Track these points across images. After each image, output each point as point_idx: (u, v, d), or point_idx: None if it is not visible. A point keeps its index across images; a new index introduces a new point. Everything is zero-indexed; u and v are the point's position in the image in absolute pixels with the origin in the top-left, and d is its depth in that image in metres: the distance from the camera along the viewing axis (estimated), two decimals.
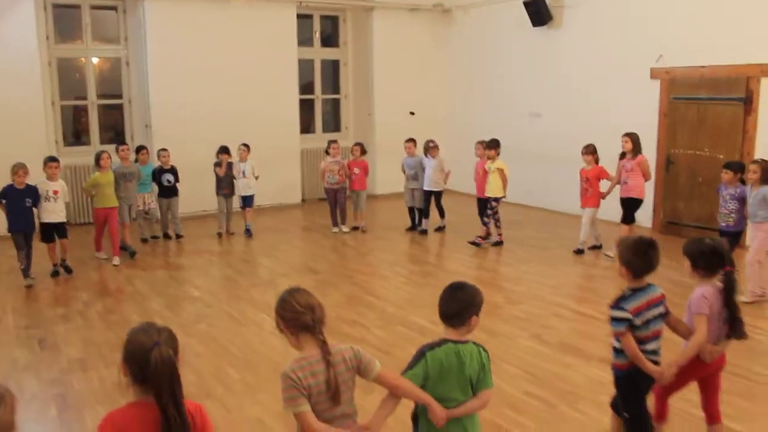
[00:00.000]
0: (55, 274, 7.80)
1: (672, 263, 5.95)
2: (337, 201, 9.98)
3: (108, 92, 11.17)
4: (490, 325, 6.05)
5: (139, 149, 9.48)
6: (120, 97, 11.11)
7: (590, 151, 8.48)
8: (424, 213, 9.94)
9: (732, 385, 4.71)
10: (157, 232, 9.71)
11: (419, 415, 2.92)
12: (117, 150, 9.00)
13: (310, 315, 2.64)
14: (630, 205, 8.24)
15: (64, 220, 7.82)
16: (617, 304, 3.45)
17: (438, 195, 9.87)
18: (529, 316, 6.37)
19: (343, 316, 6.31)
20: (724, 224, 6.91)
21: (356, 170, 10.03)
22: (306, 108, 12.75)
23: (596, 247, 8.70)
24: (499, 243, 9.11)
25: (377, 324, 6.17)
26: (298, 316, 2.64)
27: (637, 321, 3.41)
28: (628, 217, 8.25)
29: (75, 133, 11.18)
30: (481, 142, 9.40)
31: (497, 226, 9.14)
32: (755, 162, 6.67)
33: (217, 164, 9.50)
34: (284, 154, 11.81)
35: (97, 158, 8.30)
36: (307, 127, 12.84)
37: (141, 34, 10.68)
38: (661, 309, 3.52)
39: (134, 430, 2.21)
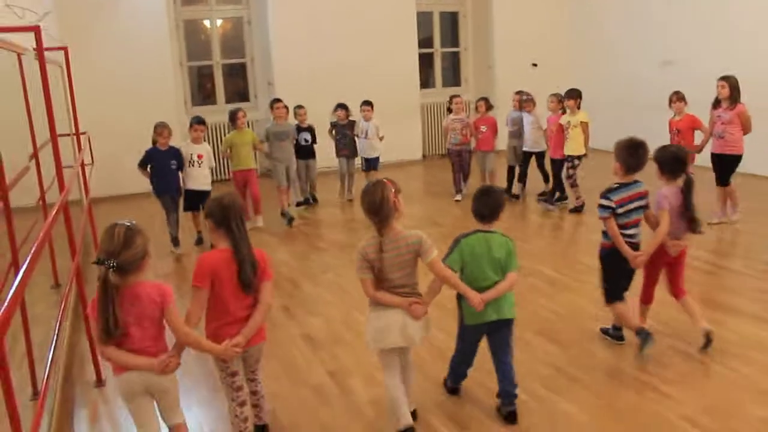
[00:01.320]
0: (199, 242, 7.33)
1: None
2: (461, 164, 9.05)
3: (231, 52, 11.42)
4: None
5: (274, 102, 8.48)
6: (243, 56, 11.33)
7: (680, 97, 7.42)
8: (520, 176, 8.92)
9: None
10: (298, 196, 8.97)
11: (460, 298, 3.59)
12: (272, 107, 8.37)
13: (375, 213, 3.29)
14: (727, 164, 7.10)
15: (210, 188, 7.21)
16: (605, 195, 4.20)
17: (540, 156, 8.74)
18: None
19: None
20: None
21: (483, 128, 8.87)
22: (425, 62, 12.54)
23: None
24: (578, 208, 8.03)
25: None
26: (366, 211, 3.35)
27: (620, 210, 4.15)
28: (724, 178, 7.14)
29: (202, 93, 11.54)
30: (555, 95, 8.31)
31: (574, 187, 8.07)
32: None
33: (334, 124, 9.03)
34: (404, 109, 11.67)
35: (233, 116, 7.75)
36: (426, 81, 12.65)
37: None
38: (642, 203, 4.23)
39: (221, 268, 3.13)
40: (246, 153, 7.76)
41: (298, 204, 8.93)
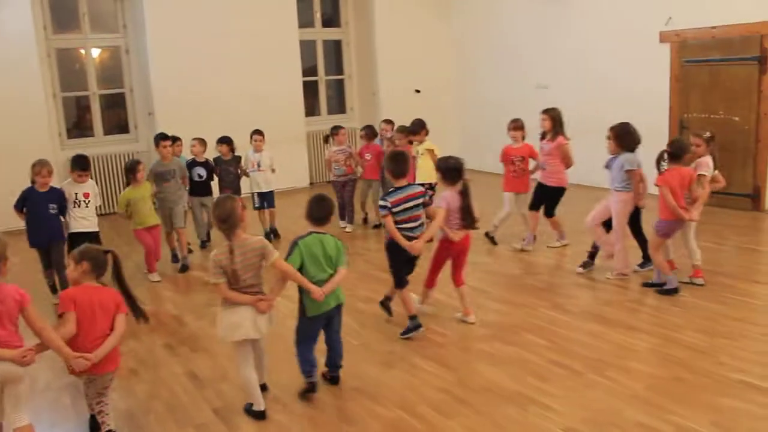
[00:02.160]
0: None
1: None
2: (345, 195, 8.80)
3: (109, 82, 11.02)
4: (509, 297, 5.94)
5: (174, 140, 7.94)
6: (122, 86, 10.97)
7: (519, 126, 7.35)
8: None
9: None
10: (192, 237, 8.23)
11: (302, 294, 4.15)
12: (157, 146, 7.58)
13: (224, 221, 3.89)
14: (548, 195, 7.22)
15: (97, 229, 6.52)
16: (383, 197, 5.04)
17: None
18: (549, 287, 6.24)
19: (357, 292, 6.18)
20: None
21: (368, 156, 8.76)
22: (310, 90, 12.58)
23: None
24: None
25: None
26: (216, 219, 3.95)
27: (397, 209, 4.94)
28: (548, 209, 7.28)
29: (80, 125, 11.03)
30: (401, 128, 8.15)
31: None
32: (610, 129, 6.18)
33: (216, 160, 8.20)
34: (290, 137, 11.63)
35: (132, 169, 6.88)
36: (311, 109, 12.68)
37: (140, 20, 10.53)
38: (418, 201, 5.03)
39: (80, 298, 3.63)
40: (148, 208, 6.98)
41: (203, 244, 8.26)
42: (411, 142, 7.96)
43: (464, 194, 5.14)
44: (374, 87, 12.74)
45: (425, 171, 7.70)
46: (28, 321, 3.30)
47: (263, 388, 4.25)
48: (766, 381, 4.17)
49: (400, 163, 5.09)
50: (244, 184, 8.53)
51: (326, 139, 8.98)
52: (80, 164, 6.43)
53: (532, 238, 7.42)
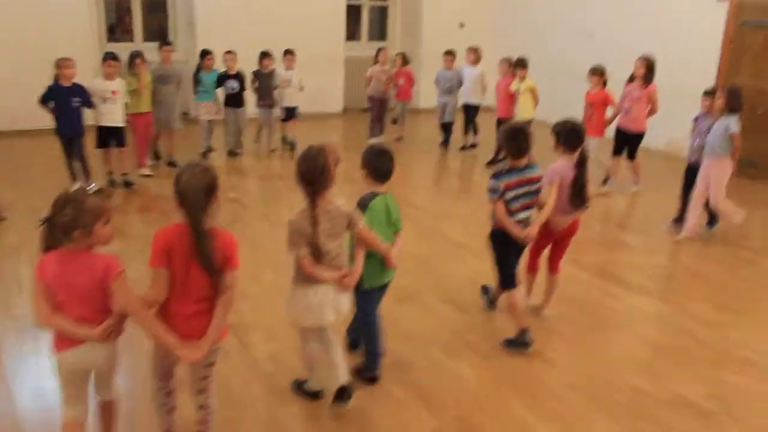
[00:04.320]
0: (110, 184, 7.09)
1: None
2: (380, 111, 9.73)
3: None
4: None
5: (203, 54, 8.37)
6: None
7: (597, 72, 7.57)
8: (466, 131, 9.73)
9: None
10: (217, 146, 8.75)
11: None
12: (160, 48, 8.05)
13: (311, 182, 3.16)
14: (627, 139, 7.51)
15: (124, 124, 7.05)
16: (495, 176, 4.08)
17: (475, 110, 9.60)
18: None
19: None
20: (694, 159, 6.38)
21: (401, 80, 9.83)
22: (352, 14, 12.36)
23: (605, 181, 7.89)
24: None
25: (416, 236, 6.10)
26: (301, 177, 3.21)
27: (509, 195, 4.03)
28: (629, 152, 7.55)
29: (118, 28, 11.00)
30: (506, 59, 8.81)
31: None
32: (721, 88, 6.13)
33: (257, 73, 8.74)
34: (328, 60, 11.52)
35: (131, 60, 7.39)
36: (352, 34, 12.49)
37: None
38: (535, 187, 4.12)
39: (176, 245, 2.69)
40: (145, 97, 7.46)
41: (230, 153, 8.79)
42: (514, 76, 8.54)
43: (580, 167, 4.25)
44: (418, 17, 12.48)
45: (526, 108, 8.37)
46: (115, 301, 2.61)
47: (342, 393, 3.42)
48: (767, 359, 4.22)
49: (520, 141, 4.05)
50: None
51: (375, 59, 9.67)
52: (110, 55, 6.97)
53: (612, 182, 7.74)
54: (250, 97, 8.81)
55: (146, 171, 7.69)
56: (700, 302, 5.03)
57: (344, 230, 3.28)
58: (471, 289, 4.99)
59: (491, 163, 8.81)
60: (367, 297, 3.69)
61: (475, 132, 9.77)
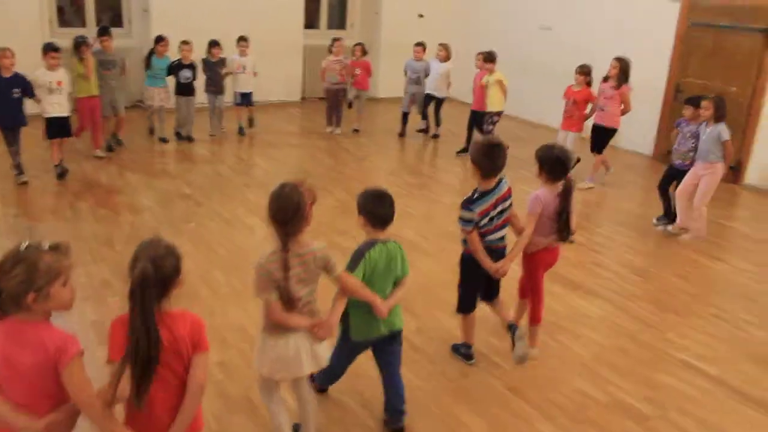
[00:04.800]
0: (61, 175, 7.13)
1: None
2: (336, 101, 9.90)
3: None
4: None
5: (158, 40, 8.59)
6: None
7: (584, 71, 7.96)
8: (423, 117, 10.03)
9: (710, 327, 4.82)
10: (163, 133, 8.96)
11: (349, 312, 3.27)
12: (99, 37, 8.13)
13: (284, 223, 2.88)
14: (601, 134, 7.98)
15: (69, 114, 7.19)
16: (467, 204, 3.81)
17: (440, 102, 9.86)
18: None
19: (335, 224, 6.30)
20: (679, 162, 6.69)
21: (357, 71, 9.98)
22: (312, 2, 12.28)
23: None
24: None
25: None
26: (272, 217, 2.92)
27: (483, 221, 3.82)
28: (598, 147, 8.01)
29: (70, 12, 10.74)
30: (482, 53, 9.09)
31: None
32: (708, 98, 6.41)
33: (206, 61, 8.97)
34: (286, 49, 11.46)
35: (77, 45, 7.50)
36: (311, 22, 12.41)
37: None
38: (507, 203, 3.91)
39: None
40: (91, 81, 7.64)
41: (179, 136, 9.04)
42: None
43: (565, 197, 4.00)
44: (377, 6, 12.46)
45: (495, 100, 8.69)
46: (65, 386, 2.24)
47: None
48: (704, 362, 4.40)
49: (495, 159, 3.78)
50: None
51: (330, 50, 9.84)
52: (50, 46, 6.97)
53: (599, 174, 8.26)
54: (200, 85, 9.02)
55: (100, 153, 7.96)
56: (643, 303, 5.20)
57: (318, 276, 3.02)
58: (423, 293, 5.03)
59: (462, 152, 9.07)
60: (347, 349, 3.45)
61: (438, 124, 10.00)
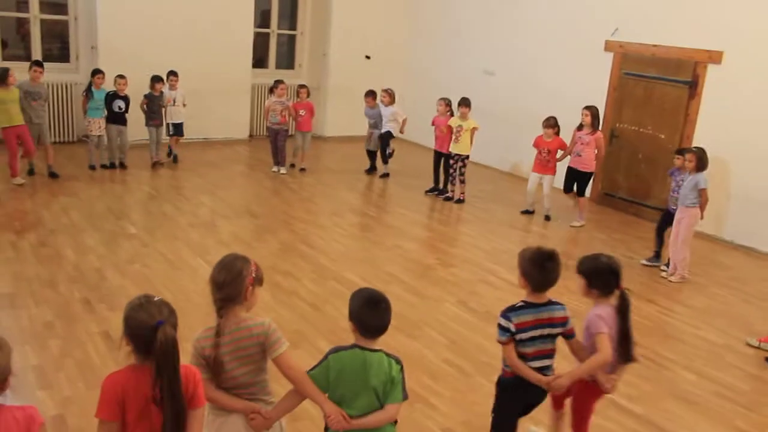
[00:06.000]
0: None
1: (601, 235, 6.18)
2: (278, 141, 10.13)
3: (53, 7, 10.66)
4: (419, 287, 6.24)
5: (95, 73, 9.19)
6: (66, 12, 10.63)
7: (552, 124, 8.63)
8: (381, 155, 10.39)
9: (637, 366, 5.04)
10: (105, 160, 9.43)
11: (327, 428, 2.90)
12: (30, 69, 8.59)
13: (219, 287, 2.76)
14: (578, 178, 8.61)
15: None
16: (506, 313, 3.33)
17: (388, 137, 10.22)
18: (459, 281, 6.57)
19: (277, 266, 6.39)
20: (674, 207, 7.21)
21: (302, 112, 10.22)
22: (261, 41, 12.47)
23: (548, 218, 8.88)
24: (460, 200, 9.35)
25: (310, 277, 6.27)
26: (212, 280, 2.80)
27: (521, 336, 3.29)
28: (579, 190, 8.66)
29: (18, 46, 10.68)
30: (444, 99, 9.50)
31: (462, 183, 9.35)
32: (691, 151, 7.02)
33: (148, 96, 9.55)
34: (234, 87, 11.60)
35: (3, 76, 7.95)
36: (260, 62, 12.59)
37: None
38: (555, 330, 3.36)
39: (132, 391, 2.32)
40: (16, 111, 8.11)
41: (104, 166, 9.40)
42: (451, 114, 9.38)
43: (623, 311, 3.46)
44: (325, 47, 12.71)
45: (465, 145, 9.16)
46: None
47: None
48: (630, 401, 4.60)
49: (548, 272, 3.29)
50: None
51: (272, 91, 10.27)
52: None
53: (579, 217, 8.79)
54: (136, 118, 9.48)
55: (19, 180, 8.29)
56: None
57: (258, 354, 2.79)
58: None
59: (432, 191, 9.59)
60: None
61: (385, 162, 10.33)
